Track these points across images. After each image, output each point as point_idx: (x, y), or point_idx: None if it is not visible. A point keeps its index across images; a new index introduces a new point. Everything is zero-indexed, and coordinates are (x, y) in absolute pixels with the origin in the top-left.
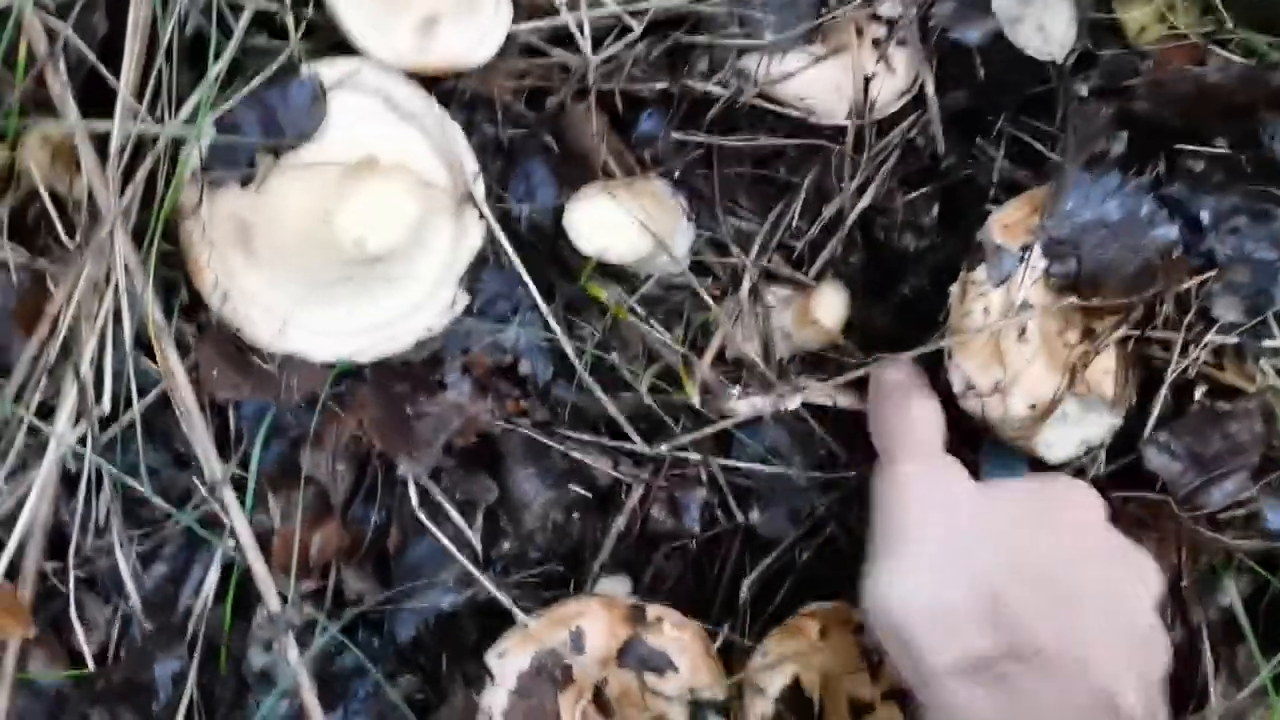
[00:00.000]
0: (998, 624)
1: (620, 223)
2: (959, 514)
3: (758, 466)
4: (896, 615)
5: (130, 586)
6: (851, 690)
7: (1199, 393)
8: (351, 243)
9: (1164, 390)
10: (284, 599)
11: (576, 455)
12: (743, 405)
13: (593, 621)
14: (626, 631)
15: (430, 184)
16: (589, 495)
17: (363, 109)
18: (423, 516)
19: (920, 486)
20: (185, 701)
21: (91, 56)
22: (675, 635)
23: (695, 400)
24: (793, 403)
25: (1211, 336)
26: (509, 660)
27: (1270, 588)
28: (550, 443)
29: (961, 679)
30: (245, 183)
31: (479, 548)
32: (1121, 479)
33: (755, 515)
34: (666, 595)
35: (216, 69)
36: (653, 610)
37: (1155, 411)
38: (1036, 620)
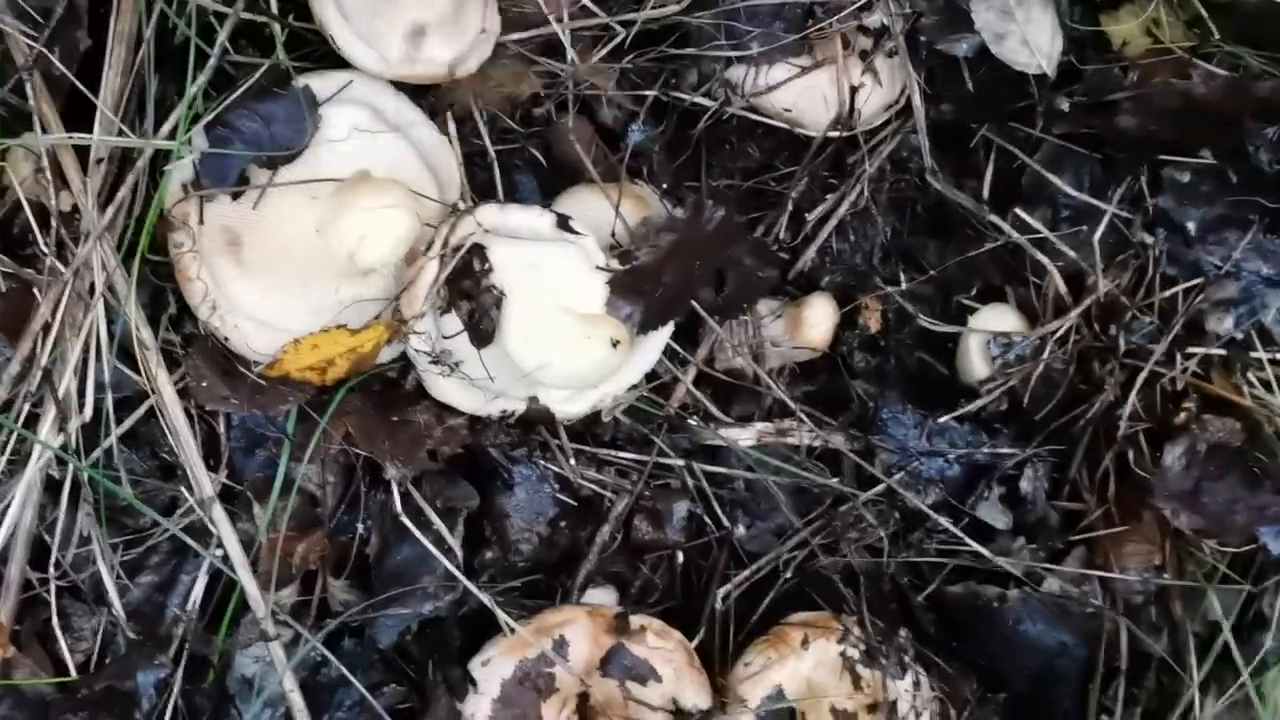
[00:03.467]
0: None
1: (604, 220)
2: None
3: (741, 473)
4: None
5: (113, 595)
6: (834, 702)
7: (1188, 404)
8: (344, 256)
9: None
10: (275, 609)
11: (560, 465)
12: (731, 434)
13: (577, 630)
14: (610, 640)
15: (420, 196)
16: (574, 504)
17: (353, 121)
18: (406, 520)
19: None
20: (169, 710)
21: (69, 74)
22: (659, 645)
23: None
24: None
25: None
26: (492, 668)
27: (1255, 601)
28: (534, 452)
29: None
30: (236, 196)
31: (460, 554)
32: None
33: (741, 530)
34: (654, 606)
35: (199, 81)
36: (636, 619)
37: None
38: None
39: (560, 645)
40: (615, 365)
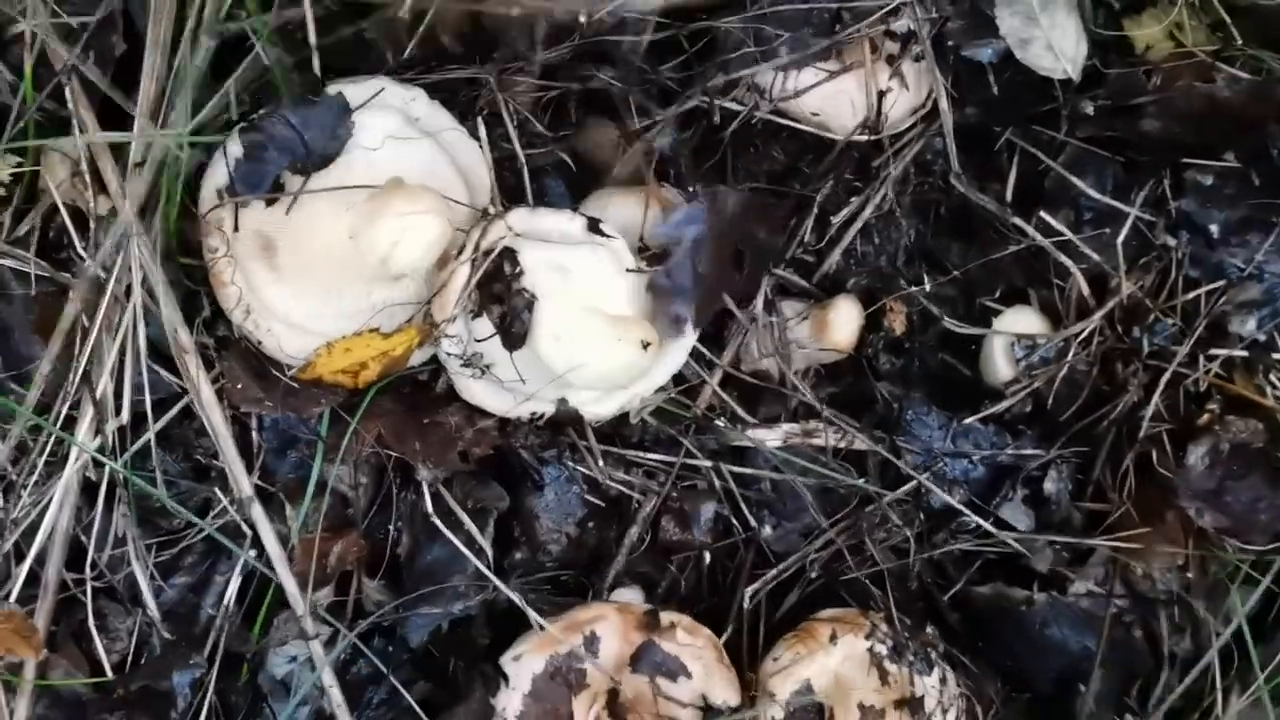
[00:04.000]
0: None
1: (633, 221)
2: None
3: (767, 474)
4: None
5: (148, 596)
6: (861, 697)
7: (1211, 405)
8: (376, 261)
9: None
10: (315, 608)
11: (589, 466)
12: (758, 435)
13: (607, 626)
14: (640, 637)
15: (452, 201)
16: (602, 504)
17: (386, 128)
18: (437, 521)
19: None
20: (204, 709)
21: (103, 83)
22: (689, 641)
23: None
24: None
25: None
26: (524, 663)
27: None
28: (563, 453)
29: None
30: (270, 202)
31: (490, 554)
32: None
33: (767, 530)
34: (681, 606)
35: (228, 83)
36: (667, 616)
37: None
38: None
39: (591, 641)
40: (645, 367)
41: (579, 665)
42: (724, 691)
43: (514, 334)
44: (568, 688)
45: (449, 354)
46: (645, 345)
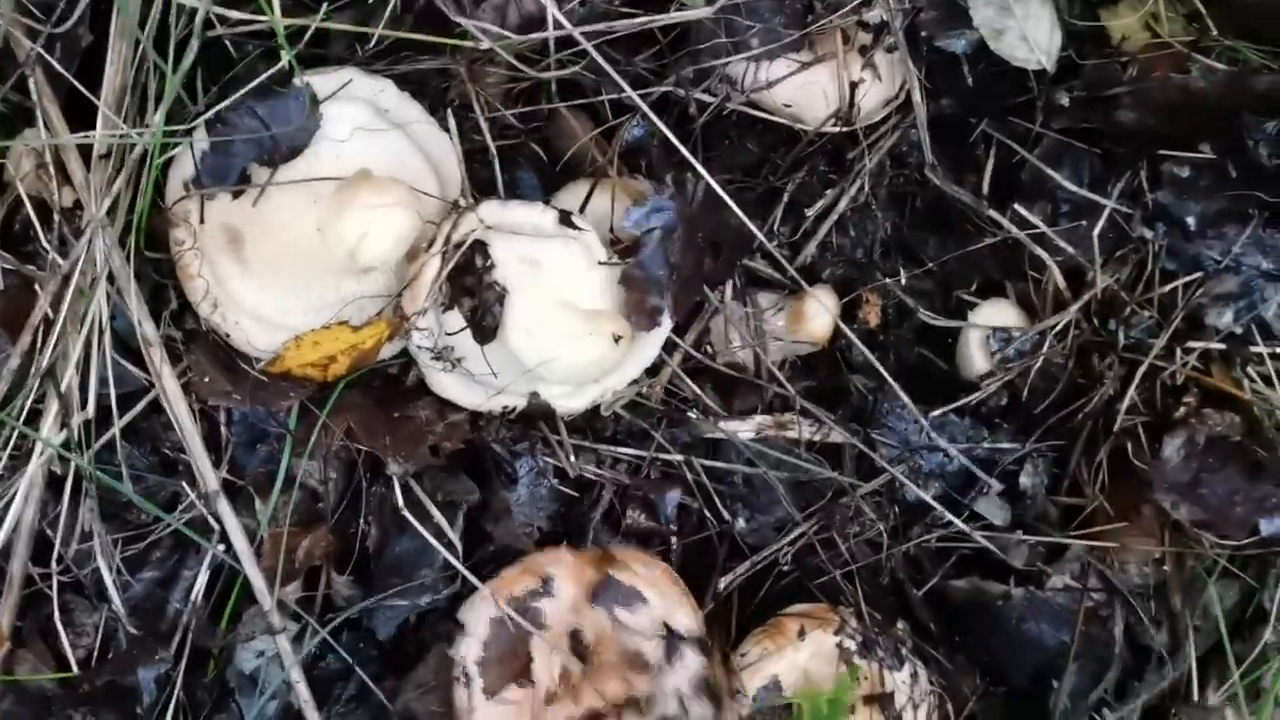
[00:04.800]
0: None
1: (604, 215)
2: None
3: (741, 467)
4: None
5: (113, 591)
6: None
7: (1187, 398)
8: (344, 254)
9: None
10: (281, 604)
11: (560, 460)
12: (731, 426)
13: (562, 568)
14: (596, 575)
15: (421, 193)
16: (575, 495)
17: (354, 119)
18: (407, 514)
19: None
20: (171, 705)
21: (68, 74)
22: (644, 573)
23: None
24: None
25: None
26: (479, 609)
27: (1256, 595)
28: (535, 447)
29: None
30: (237, 194)
31: (459, 547)
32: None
33: (740, 524)
34: None
35: (181, 69)
36: (620, 553)
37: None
38: None
39: (546, 582)
40: (617, 360)
41: (535, 605)
42: (685, 619)
43: (485, 328)
44: (525, 631)
45: (419, 347)
46: (617, 339)
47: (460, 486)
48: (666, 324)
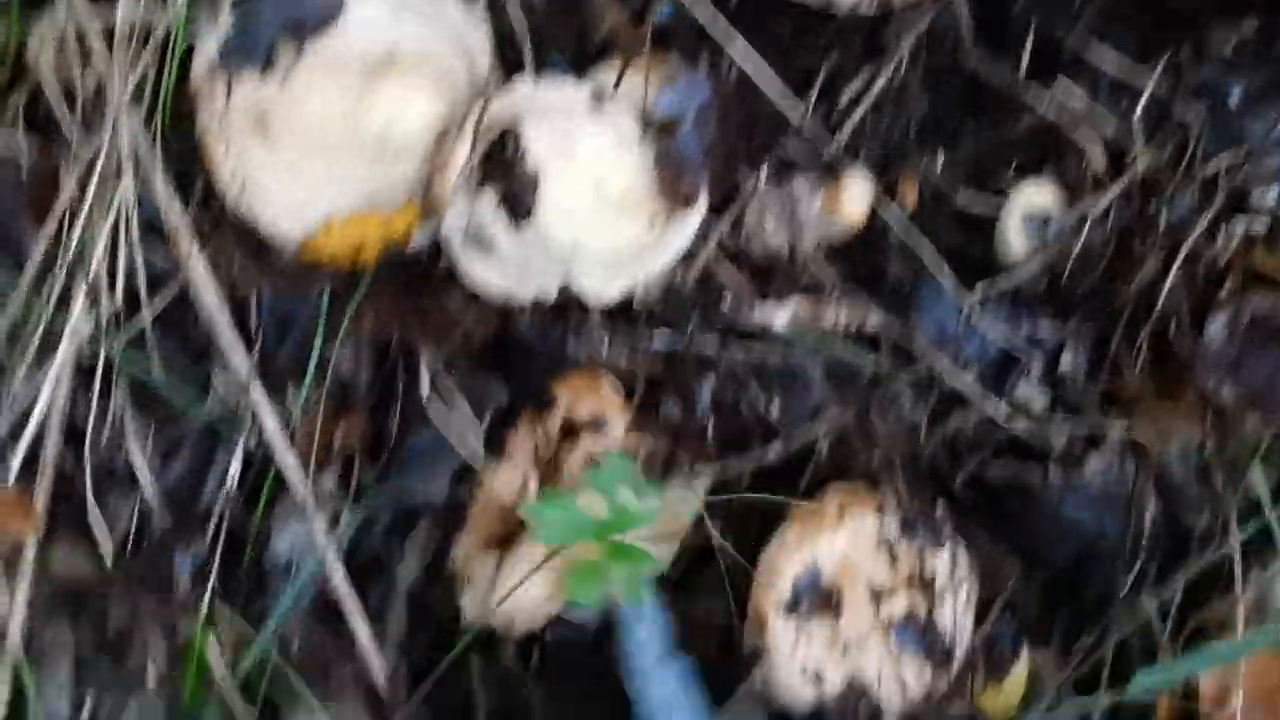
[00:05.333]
0: None
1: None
2: None
3: (776, 354)
4: None
5: (147, 479)
6: (871, 576)
7: (1230, 279)
8: (374, 137)
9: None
10: (317, 490)
11: (594, 349)
12: (766, 313)
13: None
14: None
15: (451, 75)
16: None
17: None
18: (433, 405)
19: None
20: (207, 592)
21: None
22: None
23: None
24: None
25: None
26: None
27: None
28: (568, 335)
29: None
30: (264, 73)
31: (481, 446)
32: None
33: (776, 412)
34: None
35: None
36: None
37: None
38: None
39: None
40: (652, 243)
41: None
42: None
43: (517, 210)
44: None
45: (450, 233)
46: (652, 221)
47: (490, 385)
48: (701, 209)
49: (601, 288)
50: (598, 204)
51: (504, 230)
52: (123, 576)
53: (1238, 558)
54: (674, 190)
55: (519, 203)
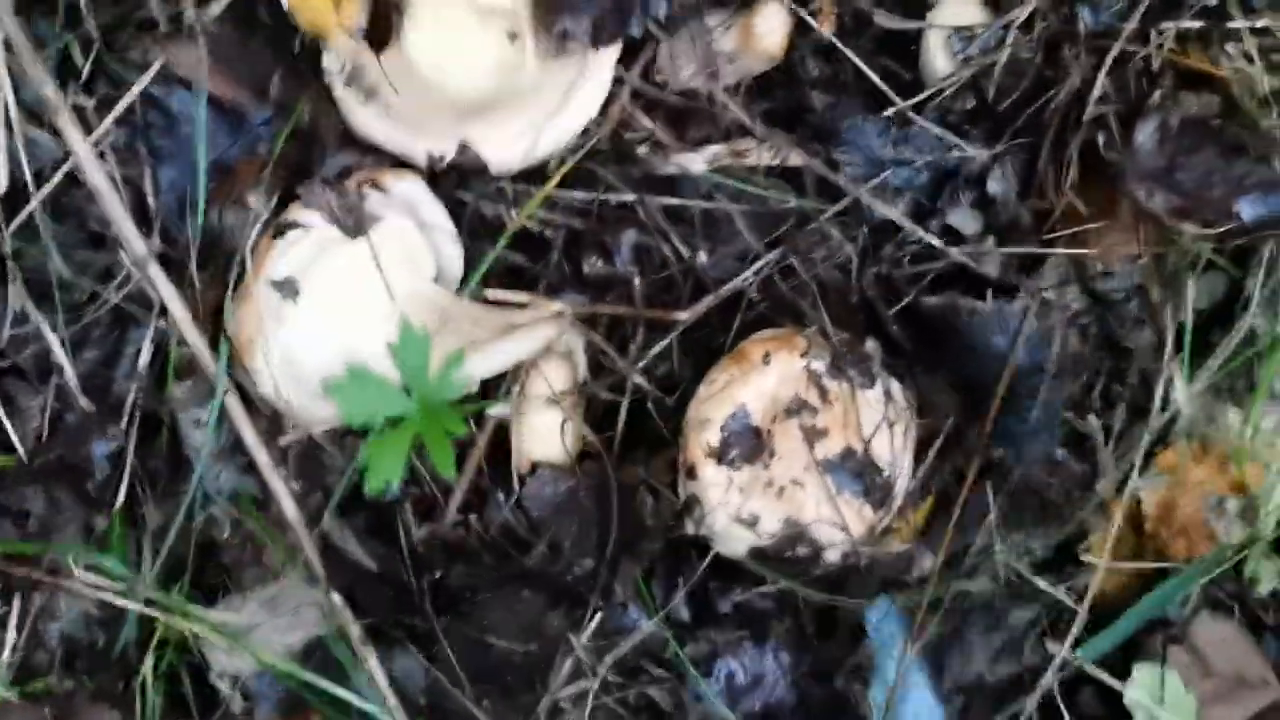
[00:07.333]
0: None
1: None
2: None
3: (697, 201)
4: None
5: (65, 362)
6: (801, 418)
7: (1163, 83)
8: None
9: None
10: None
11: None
12: (684, 159)
13: None
14: None
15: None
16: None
17: None
18: None
19: None
20: (124, 478)
21: None
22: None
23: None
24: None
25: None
26: None
27: (1244, 287)
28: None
29: None
30: None
31: None
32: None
33: (702, 258)
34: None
35: None
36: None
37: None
38: None
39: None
40: (518, 67)
41: None
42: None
43: (381, 31)
44: None
45: (329, 78)
46: (513, 37)
47: None
48: (605, 61)
49: (502, 153)
50: (457, 17)
51: (379, 70)
52: (39, 466)
53: (1179, 369)
54: (547, 28)
55: (382, 25)
